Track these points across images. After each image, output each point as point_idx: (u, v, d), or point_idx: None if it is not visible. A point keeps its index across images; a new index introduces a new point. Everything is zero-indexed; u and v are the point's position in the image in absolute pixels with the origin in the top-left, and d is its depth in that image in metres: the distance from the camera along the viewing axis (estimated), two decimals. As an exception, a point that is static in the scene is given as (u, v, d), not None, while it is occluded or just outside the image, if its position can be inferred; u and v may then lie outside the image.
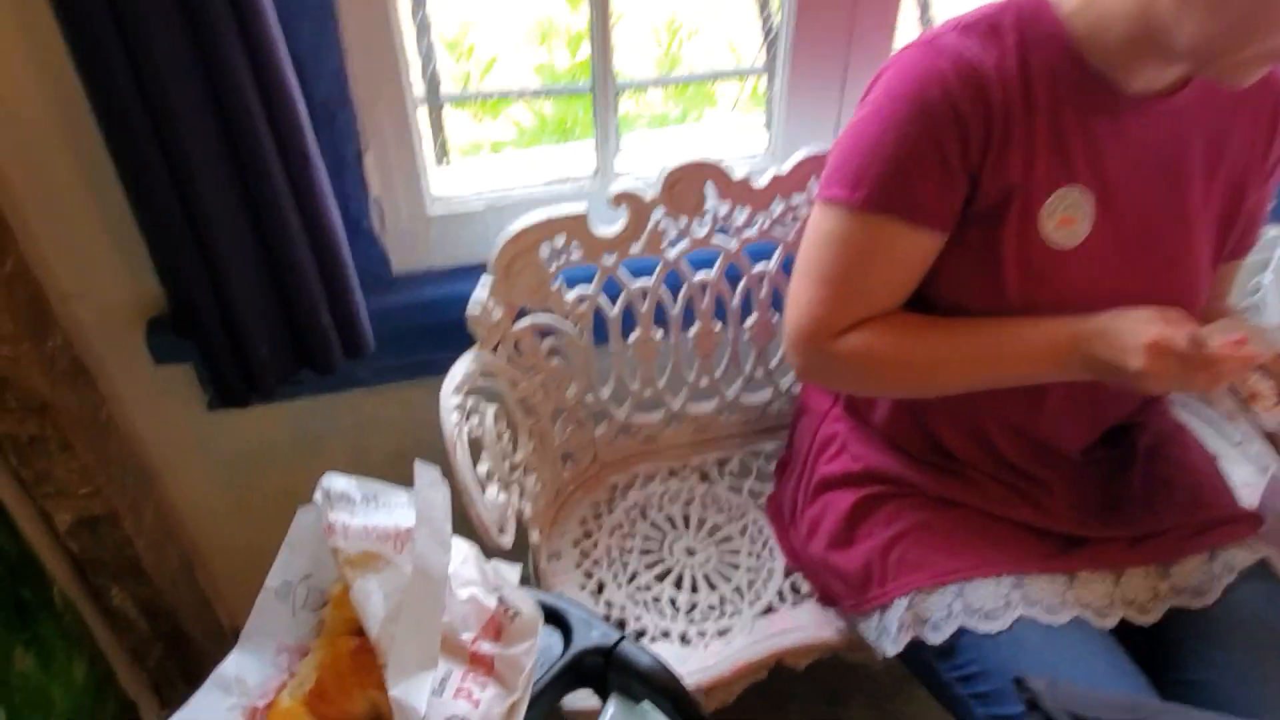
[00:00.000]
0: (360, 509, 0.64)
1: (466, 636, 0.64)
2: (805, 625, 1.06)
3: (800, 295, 0.89)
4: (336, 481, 0.64)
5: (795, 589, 1.11)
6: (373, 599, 0.58)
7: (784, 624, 1.06)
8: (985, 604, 0.87)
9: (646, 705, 0.68)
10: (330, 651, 0.64)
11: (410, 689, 0.55)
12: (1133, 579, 0.90)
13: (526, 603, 0.66)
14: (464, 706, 0.59)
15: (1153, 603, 0.89)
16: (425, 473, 0.61)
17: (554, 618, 0.69)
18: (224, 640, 1.51)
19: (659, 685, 0.68)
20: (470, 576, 0.66)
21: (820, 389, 1.11)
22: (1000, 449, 0.94)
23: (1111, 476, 0.97)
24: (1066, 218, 0.83)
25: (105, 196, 0.97)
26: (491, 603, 0.65)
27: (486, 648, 0.64)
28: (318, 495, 0.62)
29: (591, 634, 0.70)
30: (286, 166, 0.86)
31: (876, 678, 1.54)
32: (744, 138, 1.30)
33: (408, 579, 0.59)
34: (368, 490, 0.65)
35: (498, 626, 0.66)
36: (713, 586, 1.12)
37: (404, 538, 0.62)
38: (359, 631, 0.65)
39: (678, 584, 1.12)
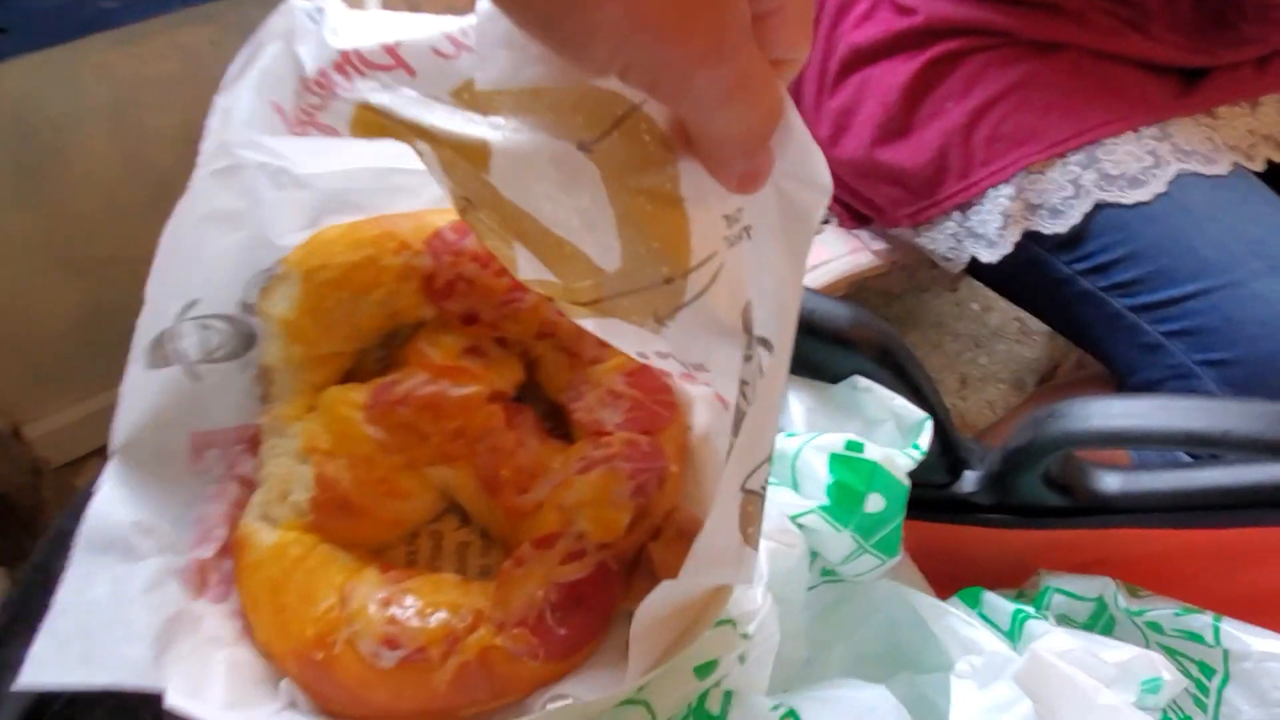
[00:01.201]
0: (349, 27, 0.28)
1: None
2: (836, 255, 0.83)
3: None
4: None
5: (807, 215, 0.86)
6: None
7: (811, 257, 0.82)
8: (1128, 167, 0.66)
9: (858, 382, 0.42)
10: (330, 419, 0.31)
11: None
12: (1266, 108, 0.71)
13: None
14: None
15: (1288, 135, 0.72)
16: None
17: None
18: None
19: (869, 342, 0.42)
20: None
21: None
22: None
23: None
24: None
25: None
26: None
27: None
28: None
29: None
30: None
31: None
32: None
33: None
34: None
35: None
36: (707, 231, 0.85)
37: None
38: (349, 373, 0.33)
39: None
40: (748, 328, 0.27)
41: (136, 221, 0.98)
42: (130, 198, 0.96)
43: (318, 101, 0.28)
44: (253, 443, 0.32)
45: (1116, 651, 0.33)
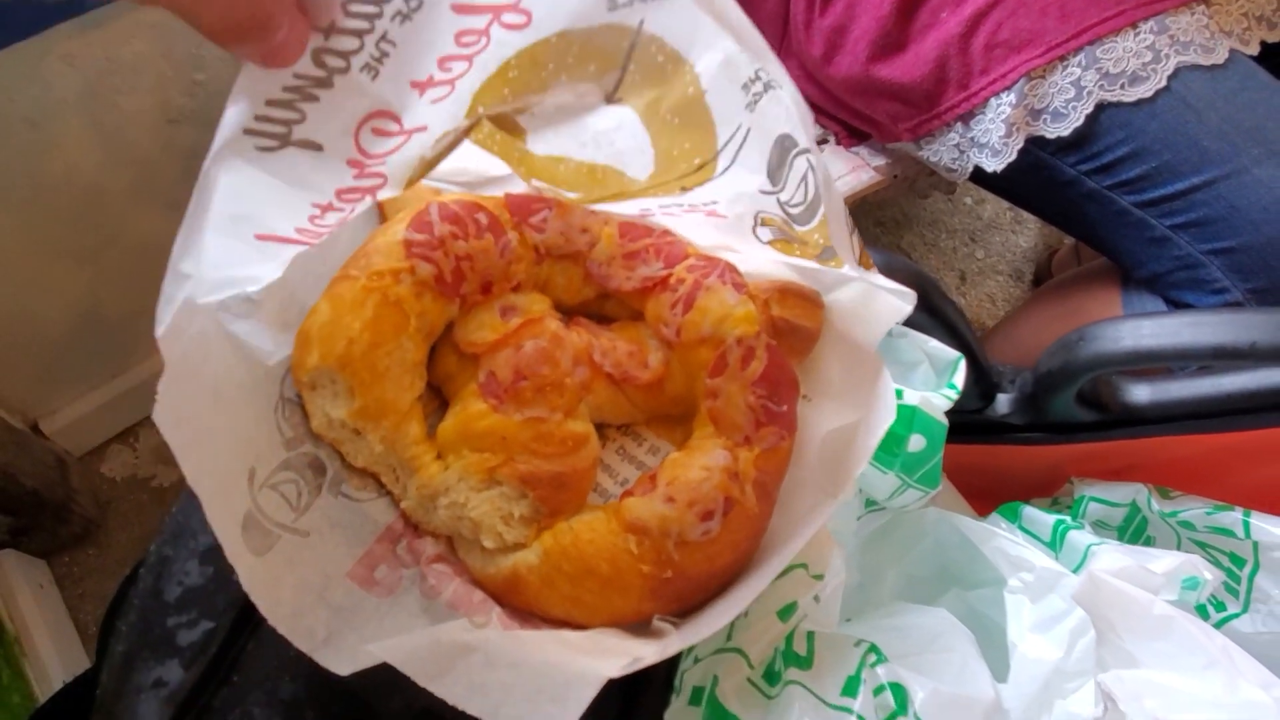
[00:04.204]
0: None
1: None
2: (837, 175, 0.83)
3: None
4: None
5: (804, 135, 0.86)
6: None
7: (813, 180, 0.82)
8: (1127, 64, 0.65)
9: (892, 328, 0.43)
10: (476, 440, 0.33)
11: None
12: (1257, -13, 0.71)
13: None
14: None
15: (1279, 13, 0.71)
16: None
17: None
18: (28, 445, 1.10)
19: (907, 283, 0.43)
20: None
21: None
22: None
23: None
24: None
25: None
26: None
27: None
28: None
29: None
30: None
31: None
32: None
33: None
34: None
35: None
36: (706, 163, 0.84)
37: None
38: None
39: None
40: (780, 161, 0.31)
41: (126, 206, 0.97)
42: (116, 183, 0.94)
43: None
44: (410, 529, 0.34)
45: (1163, 561, 0.36)
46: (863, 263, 0.35)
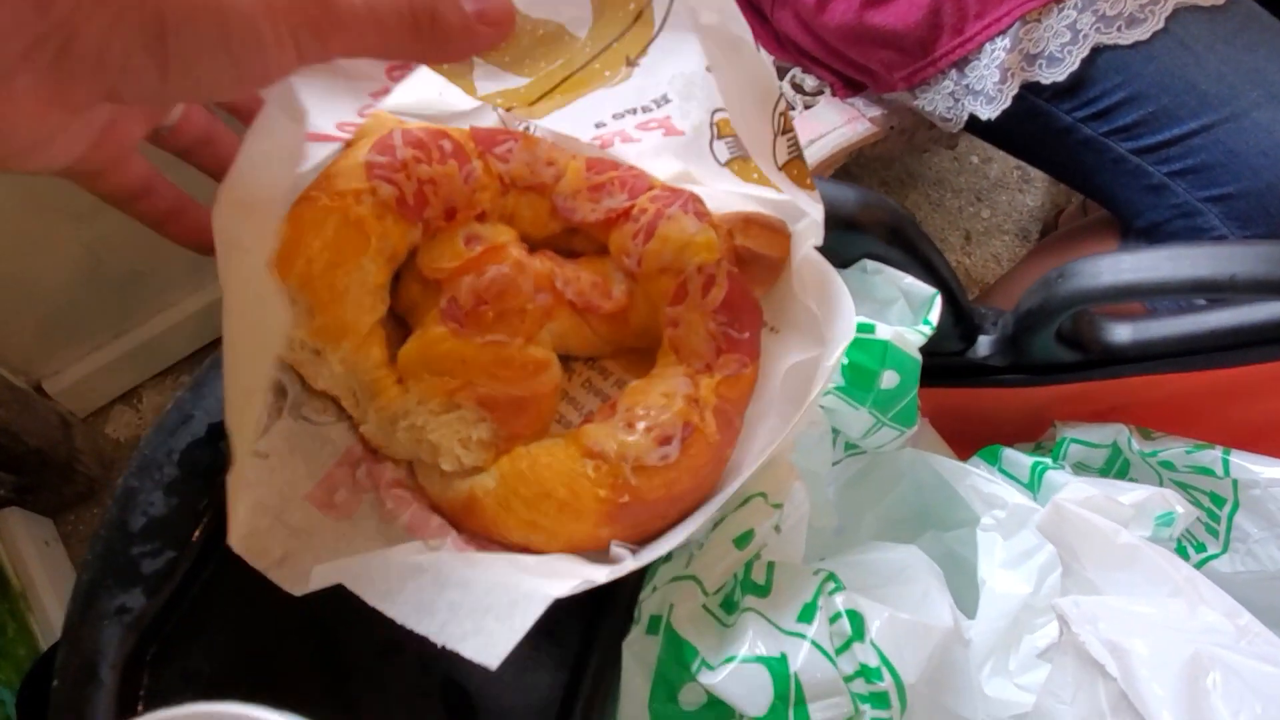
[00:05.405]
0: None
1: None
2: (832, 126, 0.81)
3: None
4: None
5: (799, 87, 0.85)
6: None
7: (808, 132, 0.81)
8: (1125, 5, 0.64)
9: (867, 266, 0.43)
10: (436, 364, 0.33)
11: None
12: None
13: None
14: None
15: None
16: None
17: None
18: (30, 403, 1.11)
19: (879, 223, 0.42)
20: None
21: None
22: None
23: None
24: None
25: None
26: None
27: None
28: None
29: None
30: None
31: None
32: None
33: None
34: None
35: None
36: (699, 115, 0.83)
37: None
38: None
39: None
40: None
41: (121, 166, 0.97)
42: (111, 142, 0.94)
43: None
44: (369, 454, 0.34)
45: (1132, 494, 0.35)
46: (793, 175, 0.34)
